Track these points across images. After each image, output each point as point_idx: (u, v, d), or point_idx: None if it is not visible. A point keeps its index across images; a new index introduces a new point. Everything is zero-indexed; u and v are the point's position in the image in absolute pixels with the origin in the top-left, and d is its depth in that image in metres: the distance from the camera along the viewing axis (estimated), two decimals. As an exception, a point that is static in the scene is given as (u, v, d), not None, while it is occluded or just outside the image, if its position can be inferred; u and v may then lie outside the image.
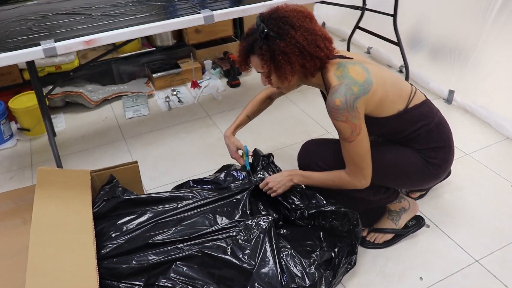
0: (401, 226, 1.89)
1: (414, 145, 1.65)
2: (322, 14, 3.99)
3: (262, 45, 1.46)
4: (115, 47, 2.62)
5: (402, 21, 2.99)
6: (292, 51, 1.44)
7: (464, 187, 2.16)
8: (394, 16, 2.90)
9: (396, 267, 1.79)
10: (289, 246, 1.62)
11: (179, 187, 1.99)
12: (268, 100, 2.03)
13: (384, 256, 1.83)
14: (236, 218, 1.66)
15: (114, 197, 1.76)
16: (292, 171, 1.72)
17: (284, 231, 1.73)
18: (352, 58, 1.57)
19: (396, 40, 2.96)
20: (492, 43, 2.57)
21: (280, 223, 1.76)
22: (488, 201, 2.09)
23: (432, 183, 1.79)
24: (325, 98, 1.72)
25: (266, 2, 2.09)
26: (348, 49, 3.55)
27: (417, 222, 1.92)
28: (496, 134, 2.54)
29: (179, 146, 2.56)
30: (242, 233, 1.60)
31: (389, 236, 1.88)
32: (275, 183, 1.71)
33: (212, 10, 2.01)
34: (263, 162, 1.91)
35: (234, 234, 1.59)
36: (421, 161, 1.65)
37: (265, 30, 1.44)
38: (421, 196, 2.10)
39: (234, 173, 1.94)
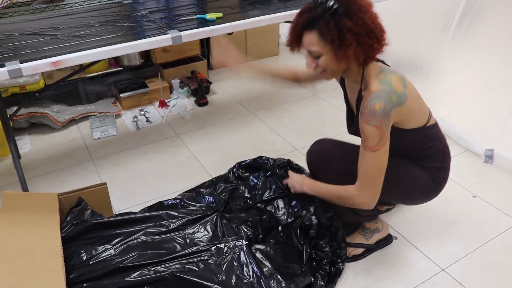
0: (371, 243, 1.94)
1: (422, 163, 1.68)
2: (286, 33, 4.07)
3: (329, 21, 1.36)
4: (82, 67, 2.60)
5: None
6: (360, 31, 1.36)
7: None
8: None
9: (366, 280, 1.82)
10: (270, 266, 1.62)
11: (150, 208, 1.98)
12: (295, 78, 1.95)
13: (354, 270, 1.87)
14: (208, 240, 1.66)
15: (82, 221, 1.73)
16: (305, 179, 1.79)
17: (265, 248, 1.73)
18: (389, 66, 1.57)
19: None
20: (450, 59, 2.69)
21: (261, 236, 1.77)
22: (452, 211, 2.16)
23: (428, 200, 1.80)
24: (343, 89, 1.71)
25: (233, 23, 2.12)
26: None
27: (386, 238, 1.98)
28: (457, 146, 2.63)
29: (148, 166, 2.55)
30: (215, 257, 1.59)
31: (359, 251, 1.93)
32: (290, 181, 1.83)
33: (180, 31, 2.02)
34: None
35: (206, 258, 1.59)
36: (428, 177, 1.68)
37: (335, 6, 1.35)
38: (387, 210, 2.15)
39: (205, 195, 1.94)
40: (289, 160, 2.02)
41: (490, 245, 1.97)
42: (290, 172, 1.89)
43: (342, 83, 1.73)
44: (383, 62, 1.58)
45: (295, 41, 1.49)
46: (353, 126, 1.69)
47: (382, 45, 1.43)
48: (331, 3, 1.36)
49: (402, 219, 2.12)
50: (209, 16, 2.18)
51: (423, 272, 1.85)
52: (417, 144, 1.65)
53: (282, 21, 2.34)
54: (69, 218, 1.75)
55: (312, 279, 1.66)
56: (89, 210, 1.80)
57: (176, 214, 1.78)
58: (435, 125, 1.68)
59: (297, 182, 1.80)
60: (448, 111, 2.72)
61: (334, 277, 1.76)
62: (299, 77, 1.94)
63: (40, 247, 1.57)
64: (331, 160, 1.70)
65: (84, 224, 1.71)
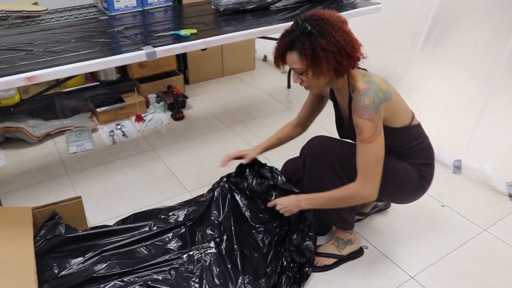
0: (344, 254, 1.98)
1: (408, 160, 1.78)
2: (263, 47, 4.16)
3: (304, 41, 1.53)
4: (58, 82, 2.61)
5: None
6: (331, 49, 1.52)
7: (399, 209, 2.29)
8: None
9: (338, 289, 1.87)
10: (239, 270, 1.66)
11: (124, 221, 1.99)
12: (300, 128, 2.07)
13: (326, 279, 1.91)
14: (179, 249, 1.69)
15: (56, 235, 1.74)
16: (298, 197, 1.78)
17: (233, 251, 1.76)
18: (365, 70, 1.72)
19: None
20: (420, 73, 2.79)
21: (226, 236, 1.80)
22: (421, 220, 2.23)
23: (418, 195, 1.88)
24: (333, 99, 1.84)
25: (207, 39, 2.17)
26: (289, 82, 3.71)
27: (358, 251, 2.03)
28: (427, 158, 2.71)
29: (124, 180, 2.56)
30: (186, 264, 1.62)
31: (330, 261, 1.97)
32: (281, 206, 1.78)
33: (154, 47, 2.07)
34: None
35: (177, 266, 1.62)
36: (416, 173, 1.78)
37: (308, 28, 1.53)
38: (358, 220, 2.20)
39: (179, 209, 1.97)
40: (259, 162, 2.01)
41: (457, 253, 2.04)
42: (278, 199, 1.84)
43: (332, 94, 1.84)
44: (365, 69, 1.72)
45: (280, 61, 1.67)
46: (345, 129, 1.81)
47: (354, 60, 1.59)
48: (306, 25, 1.54)
49: (373, 229, 2.18)
50: (184, 32, 2.23)
51: (393, 280, 1.90)
52: (404, 142, 1.76)
53: (255, 37, 2.40)
54: (42, 232, 1.76)
55: (276, 279, 1.69)
56: (63, 223, 1.80)
57: (148, 224, 1.80)
58: (419, 125, 1.82)
59: (290, 202, 1.78)
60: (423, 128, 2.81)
61: (300, 281, 1.79)
62: (301, 122, 2.06)
63: (13, 261, 1.57)
64: (327, 154, 1.74)
65: (57, 238, 1.72)
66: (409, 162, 1.78)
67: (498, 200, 2.37)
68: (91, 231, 1.77)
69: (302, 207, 1.75)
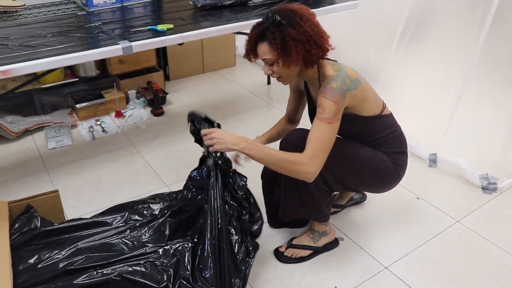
0: (319, 245, 2.02)
1: (382, 149, 1.82)
2: (244, 44, 4.16)
3: (274, 31, 1.57)
4: (36, 77, 2.60)
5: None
6: (301, 38, 1.56)
7: (375, 202, 2.33)
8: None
9: (313, 279, 1.89)
10: (212, 264, 1.67)
11: (101, 214, 2.00)
12: (291, 123, 2.11)
13: (301, 270, 1.94)
14: (155, 242, 1.70)
15: (31, 229, 1.74)
16: (242, 137, 1.61)
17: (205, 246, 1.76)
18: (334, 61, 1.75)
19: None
20: (396, 68, 2.84)
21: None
22: (396, 212, 2.27)
23: (395, 183, 1.91)
24: (307, 91, 1.88)
25: (183, 34, 2.19)
26: (269, 79, 3.74)
27: (333, 242, 2.06)
28: (403, 152, 2.76)
29: (103, 175, 2.57)
30: (161, 258, 1.64)
31: (306, 253, 2.00)
32: (218, 137, 1.60)
33: (131, 41, 2.07)
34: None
35: (152, 259, 1.63)
36: (391, 161, 1.83)
37: (278, 18, 1.57)
38: (335, 212, 2.24)
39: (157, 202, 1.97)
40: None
41: (431, 243, 2.09)
42: (216, 129, 1.68)
43: (306, 86, 1.88)
44: (335, 60, 1.75)
45: (251, 52, 1.71)
46: None
47: (323, 50, 1.63)
48: (276, 16, 1.59)
49: (348, 220, 2.21)
50: (160, 27, 2.24)
51: (367, 270, 1.94)
52: (375, 131, 1.80)
53: (232, 31, 2.41)
54: (17, 225, 1.76)
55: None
56: (38, 216, 1.80)
57: (125, 216, 1.81)
58: (390, 115, 1.87)
59: (229, 137, 1.60)
60: (396, 117, 2.85)
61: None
62: (291, 118, 2.11)
63: (-13, 254, 1.58)
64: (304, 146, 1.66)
65: (33, 231, 1.72)
66: (383, 151, 1.82)
67: (471, 193, 2.43)
68: (67, 224, 1.77)
69: (238, 149, 1.58)
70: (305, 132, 1.83)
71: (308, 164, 1.57)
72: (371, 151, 1.80)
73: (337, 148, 1.66)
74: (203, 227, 1.68)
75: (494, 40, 2.34)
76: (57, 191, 1.98)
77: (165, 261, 1.62)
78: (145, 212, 1.87)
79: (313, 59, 1.62)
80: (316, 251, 2.02)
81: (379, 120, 1.80)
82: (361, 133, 1.80)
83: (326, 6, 2.67)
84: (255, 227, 1.81)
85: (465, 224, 2.20)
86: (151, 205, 1.91)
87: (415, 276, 1.91)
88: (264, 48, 1.63)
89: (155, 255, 1.64)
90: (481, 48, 2.36)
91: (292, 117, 2.10)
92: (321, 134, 1.59)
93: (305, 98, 2.00)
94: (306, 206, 1.84)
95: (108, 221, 1.80)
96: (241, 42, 4.14)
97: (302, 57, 1.61)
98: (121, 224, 1.78)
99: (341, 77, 1.62)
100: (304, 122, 2.07)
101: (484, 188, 2.45)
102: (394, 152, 1.84)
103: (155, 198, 2.00)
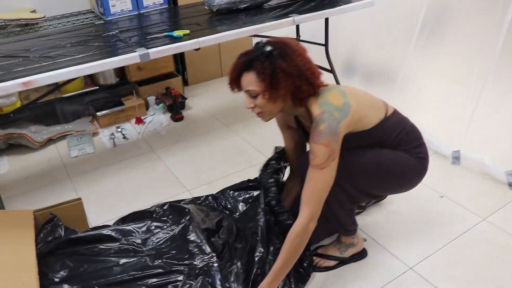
0: (346, 256, 1.95)
1: (401, 147, 1.75)
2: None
3: (264, 61, 1.50)
4: (57, 86, 2.64)
5: (337, 50, 3.19)
6: (291, 72, 1.50)
7: (397, 201, 2.30)
8: (325, 45, 3.08)
9: (337, 282, 1.87)
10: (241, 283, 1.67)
11: (123, 220, 2.02)
12: (297, 153, 2.03)
13: (324, 273, 1.92)
14: (180, 257, 1.70)
15: (55, 238, 1.77)
16: (265, 285, 1.61)
17: (232, 263, 1.76)
18: (327, 85, 1.65)
19: (329, 68, 3.14)
20: (415, 65, 2.80)
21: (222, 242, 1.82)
22: (420, 212, 2.23)
23: (422, 177, 1.84)
24: (303, 129, 1.82)
25: (199, 39, 2.20)
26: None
27: (361, 253, 1.99)
28: (425, 149, 2.72)
29: (124, 181, 2.60)
30: (186, 277, 1.64)
31: (331, 263, 1.93)
32: None
33: (148, 48, 2.09)
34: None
35: (180, 279, 1.63)
36: (413, 157, 1.75)
37: (269, 49, 1.51)
38: (357, 214, 2.21)
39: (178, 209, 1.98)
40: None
41: (456, 242, 2.04)
42: None
43: (298, 122, 1.82)
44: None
45: (234, 82, 1.61)
46: None
47: (314, 88, 1.56)
48: (267, 46, 1.53)
49: (371, 221, 2.18)
50: (177, 33, 2.26)
51: (391, 271, 1.91)
52: (388, 135, 1.73)
53: (248, 35, 2.41)
54: (42, 235, 1.79)
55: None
56: (62, 225, 1.83)
57: (147, 227, 1.82)
58: (395, 112, 1.78)
59: None
60: (416, 116, 2.80)
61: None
62: (296, 158, 2.01)
63: (14, 262, 1.60)
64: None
65: (57, 240, 1.75)
66: (403, 150, 1.76)
67: (497, 190, 2.37)
68: (91, 233, 1.79)
69: None
70: None
71: (309, 224, 1.55)
72: (391, 153, 1.74)
73: (358, 161, 1.64)
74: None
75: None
76: (80, 199, 2.01)
77: (191, 278, 1.61)
78: (169, 219, 1.88)
79: (303, 96, 1.56)
80: (343, 262, 1.95)
81: (386, 123, 1.72)
82: (376, 142, 1.73)
83: (342, 5, 2.65)
84: None
85: (492, 222, 2.15)
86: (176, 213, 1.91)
87: (441, 276, 1.87)
88: (250, 78, 1.54)
89: (183, 275, 1.63)
90: (502, 43, 2.31)
91: (297, 156, 1.99)
92: (316, 183, 1.55)
93: (299, 133, 1.92)
94: (333, 228, 1.85)
95: (130, 232, 1.81)
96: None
97: (290, 92, 1.54)
98: (143, 236, 1.78)
99: (327, 113, 1.53)
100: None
101: (511, 185, 2.39)
102: (412, 147, 1.77)
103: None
